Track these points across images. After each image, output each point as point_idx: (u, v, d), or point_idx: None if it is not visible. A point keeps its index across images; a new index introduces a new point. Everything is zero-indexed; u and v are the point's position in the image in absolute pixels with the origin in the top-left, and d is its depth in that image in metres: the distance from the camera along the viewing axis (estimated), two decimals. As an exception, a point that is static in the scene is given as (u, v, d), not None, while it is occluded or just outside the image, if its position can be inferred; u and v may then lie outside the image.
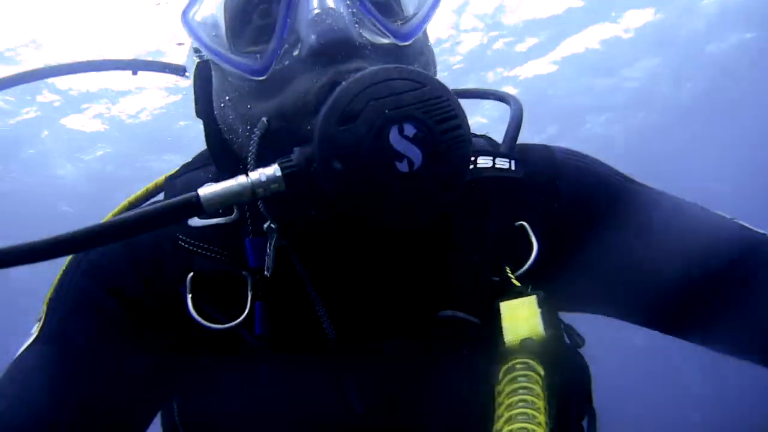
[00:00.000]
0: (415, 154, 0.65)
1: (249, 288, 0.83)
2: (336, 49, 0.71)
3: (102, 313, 0.84)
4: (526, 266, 0.85)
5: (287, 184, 0.68)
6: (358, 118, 0.64)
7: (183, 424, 0.95)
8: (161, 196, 1.01)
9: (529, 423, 0.69)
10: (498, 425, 0.72)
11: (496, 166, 0.90)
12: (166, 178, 1.02)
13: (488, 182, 0.89)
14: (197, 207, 0.67)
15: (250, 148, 0.75)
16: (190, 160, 1.03)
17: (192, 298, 0.82)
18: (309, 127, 0.70)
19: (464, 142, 0.69)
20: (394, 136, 0.64)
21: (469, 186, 0.80)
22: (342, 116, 0.65)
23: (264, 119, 0.74)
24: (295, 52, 0.74)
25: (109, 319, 0.84)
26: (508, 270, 0.85)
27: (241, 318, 0.81)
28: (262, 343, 0.84)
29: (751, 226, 0.91)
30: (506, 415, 0.71)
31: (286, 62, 0.75)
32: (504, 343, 0.76)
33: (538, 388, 0.73)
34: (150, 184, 1.07)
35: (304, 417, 0.88)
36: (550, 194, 0.94)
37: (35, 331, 0.84)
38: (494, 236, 0.87)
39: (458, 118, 0.68)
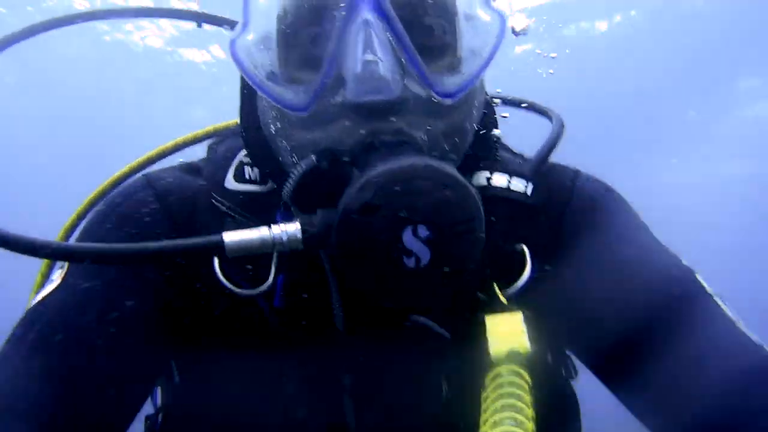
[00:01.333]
0: (424, 253, 0.69)
1: (273, 261, 0.86)
2: (377, 108, 0.74)
3: (129, 277, 0.87)
4: (517, 286, 0.88)
5: (305, 244, 0.73)
6: (378, 212, 0.68)
7: (166, 412, 1.00)
8: (201, 149, 1.07)
9: (516, 428, 0.73)
10: (484, 429, 0.75)
11: (511, 187, 0.93)
12: (209, 145, 1.05)
13: (498, 202, 0.91)
14: (220, 250, 0.72)
15: (291, 177, 0.80)
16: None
17: (220, 262, 0.86)
18: (343, 172, 0.74)
19: (474, 245, 0.72)
20: (407, 235, 0.69)
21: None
22: (363, 207, 0.69)
23: (312, 158, 0.77)
24: (338, 98, 0.77)
25: (135, 274, 0.87)
26: (496, 287, 0.88)
27: (264, 287, 0.85)
28: (276, 317, 0.88)
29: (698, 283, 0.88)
30: (492, 419, 0.75)
31: (328, 102, 0.77)
32: (489, 353, 0.80)
33: (525, 396, 0.77)
34: (200, 131, 1.15)
35: (292, 409, 0.91)
36: (557, 220, 0.97)
37: (57, 277, 0.87)
38: (491, 255, 0.89)
39: (473, 221, 0.71)
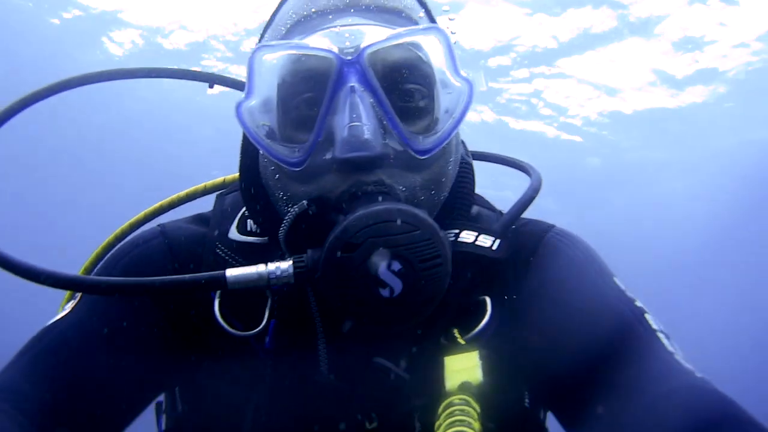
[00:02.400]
0: (397, 284, 0.80)
1: (267, 306, 0.97)
2: (361, 163, 0.85)
3: (130, 305, 0.99)
4: (475, 331, 0.96)
5: (296, 278, 0.85)
6: (357, 250, 0.79)
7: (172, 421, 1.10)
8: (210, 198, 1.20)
9: None
10: None
11: (477, 242, 1.01)
12: (217, 195, 1.18)
13: (464, 257, 0.99)
14: (222, 284, 0.85)
15: (285, 220, 0.91)
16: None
17: (219, 303, 0.97)
18: (330, 218, 0.86)
19: (441, 278, 0.82)
20: (382, 268, 0.79)
21: None
22: (345, 245, 0.80)
23: (304, 202, 0.89)
24: (328, 155, 0.88)
25: (137, 310, 0.99)
26: (456, 332, 0.96)
27: (256, 330, 0.96)
28: (268, 358, 0.99)
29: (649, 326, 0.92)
30: None
31: (319, 159, 0.89)
32: (445, 386, 0.89)
33: (474, 423, 0.84)
34: (208, 183, 1.29)
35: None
36: (522, 270, 1.04)
37: (69, 307, 0.99)
38: (455, 305, 0.97)
39: (440, 258, 0.81)
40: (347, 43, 0.89)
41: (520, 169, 1.23)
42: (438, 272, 0.82)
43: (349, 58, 0.87)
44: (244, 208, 1.09)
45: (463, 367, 0.90)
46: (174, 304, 1.02)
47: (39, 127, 9.85)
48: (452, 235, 1.03)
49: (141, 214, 1.30)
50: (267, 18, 1.05)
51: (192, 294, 0.98)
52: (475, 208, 1.12)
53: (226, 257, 1.04)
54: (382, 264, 0.80)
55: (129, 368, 0.97)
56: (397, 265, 0.80)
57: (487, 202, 1.19)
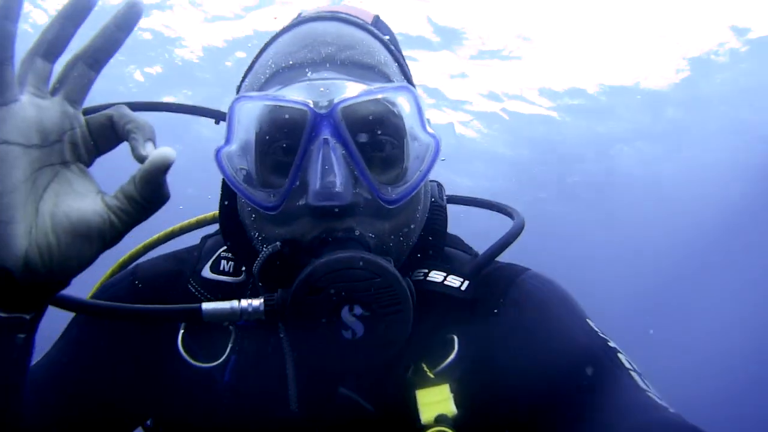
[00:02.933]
0: (359, 328, 0.85)
1: (231, 340, 1.05)
2: (331, 211, 0.90)
3: (105, 333, 1.10)
4: (442, 366, 0.98)
5: (266, 315, 0.90)
6: (321, 293, 0.85)
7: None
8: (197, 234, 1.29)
9: None
10: None
11: (445, 282, 1.05)
12: (201, 237, 1.26)
13: (431, 295, 1.03)
14: (198, 317, 0.91)
15: (259, 258, 0.96)
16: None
17: (183, 335, 1.05)
18: (301, 259, 0.91)
19: (401, 323, 0.86)
20: (345, 312, 0.85)
21: (417, 296, 0.91)
22: (310, 288, 0.85)
23: (278, 244, 0.94)
24: (302, 201, 0.93)
25: (111, 342, 1.09)
26: (425, 366, 0.99)
27: (215, 363, 1.03)
28: (228, 391, 1.05)
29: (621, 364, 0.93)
30: None
31: (293, 204, 0.94)
32: (420, 421, 0.92)
33: None
34: (193, 219, 1.38)
35: None
36: (492, 311, 1.06)
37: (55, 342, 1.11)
38: (422, 341, 1.00)
39: (400, 305, 0.86)
40: (322, 97, 0.93)
41: (502, 212, 1.25)
42: (398, 319, 0.86)
43: (323, 111, 0.92)
44: (220, 250, 1.16)
45: (436, 400, 0.95)
46: (143, 335, 1.09)
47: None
48: (421, 274, 1.06)
49: (140, 245, 1.38)
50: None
51: (168, 322, 1.06)
52: (448, 250, 1.16)
53: (197, 293, 1.11)
54: (344, 307, 0.84)
55: (105, 397, 1.07)
56: (358, 310, 0.85)
57: (463, 243, 1.22)
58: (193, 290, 1.11)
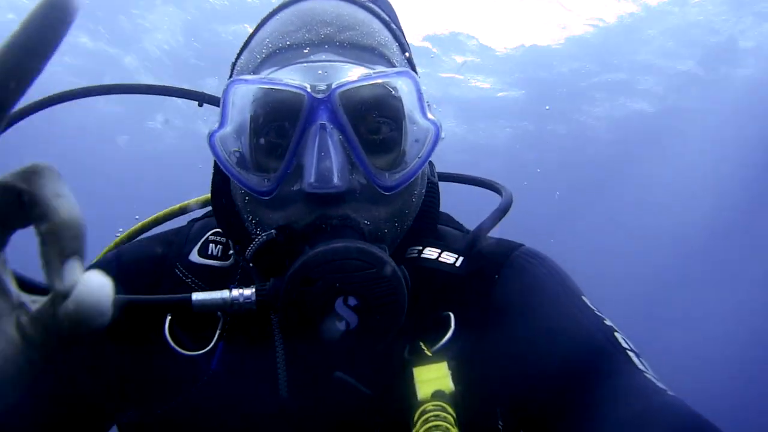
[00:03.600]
0: (353, 319, 0.84)
1: (219, 327, 1.02)
2: (327, 197, 0.88)
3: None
4: (440, 344, 0.97)
5: (257, 306, 0.89)
6: (315, 284, 0.83)
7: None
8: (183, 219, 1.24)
9: None
10: None
11: (440, 259, 1.04)
12: (189, 221, 1.23)
13: (426, 272, 1.02)
14: (188, 306, 0.89)
15: (253, 244, 0.93)
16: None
17: (170, 322, 1.01)
18: (295, 246, 0.89)
19: (395, 315, 0.85)
20: (339, 303, 0.83)
21: (412, 273, 0.91)
22: (304, 279, 0.83)
23: (273, 232, 0.92)
24: (296, 186, 0.91)
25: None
26: (423, 344, 0.97)
27: (203, 351, 1.00)
28: (215, 379, 1.02)
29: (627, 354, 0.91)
30: None
31: (288, 189, 0.92)
32: (417, 396, 0.90)
33: (452, 428, 0.86)
34: (176, 206, 1.34)
35: None
36: (486, 288, 1.05)
37: None
38: (418, 320, 0.99)
39: (394, 295, 0.85)
40: (320, 80, 0.91)
41: (490, 189, 1.24)
42: (393, 310, 0.85)
43: (321, 96, 0.89)
44: (208, 233, 1.14)
45: (434, 377, 0.92)
46: (129, 323, 1.05)
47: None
48: (415, 251, 1.05)
49: (125, 233, 1.34)
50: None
51: (159, 313, 1.02)
52: (440, 227, 1.15)
53: (185, 278, 1.08)
54: (339, 299, 0.83)
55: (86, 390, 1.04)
56: (353, 300, 0.83)
57: (454, 221, 1.21)
58: (180, 275, 1.09)
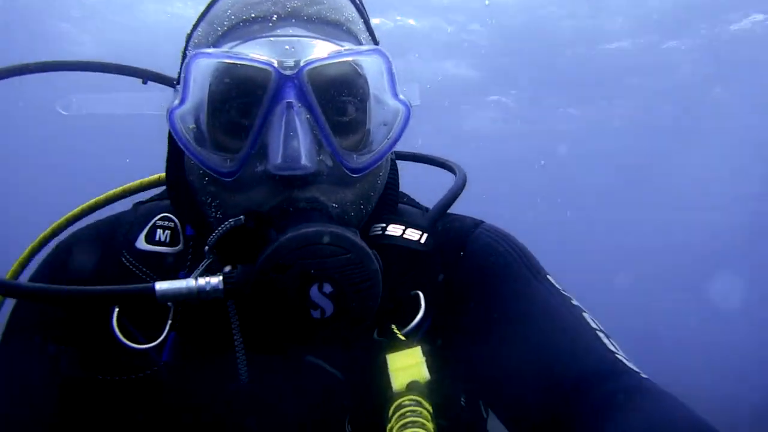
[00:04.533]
0: (328, 306, 0.80)
1: (169, 317, 0.95)
2: (294, 179, 0.84)
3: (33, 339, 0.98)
4: (411, 326, 0.95)
5: (225, 294, 0.83)
6: (288, 270, 0.78)
7: None
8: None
9: None
10: None
11: (404, 236, 1.01)
12: (134, 204, 1.15)
13: (391, 249, 0.99)
14: (151, 297, 0.82)
15: (218, 231, 0.88)
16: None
17: (118, 314, 0.95)
18: (260, 232, 0.84)
19: (371, 300, 0.82)
20: (313, 291, 0.79)
21: (377, 251, 0.87)
22: (276, 266, 0.78)
23: (242, 218, 0.87)
24: (261, 167, 0.86)
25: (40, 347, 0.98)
26: (394, 327, 0.95)
27: (154, 343, 0.94)
28: (167, 371, 0.97)
29: (613, 351, 0.90)
30: None
31: (252, 170, 0.87)
32: (392, 387, 0.87)
33: (428, 423, 0.83)
34: (144, 179, 1.27)
35: None
36: (452, 265, 1.04)
37: None
38: (386, 299, 0.92)
39: (370, 281, 0.82)
40: (287, 56, 0.86)
41: (445, 168, 1.25)
42: (368, 295, 0.82)
43: (289, 72, 0.85)
44: (155, 218, 1.07)
45: (407, 365, 0.89)
46: (74, 321, 0.99)
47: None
48: (379, 228, 1.03)
49: (72, 212, 1.25)
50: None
51: (115, 305, 0.95)
52: (401, 205, 1.13)
53: (132, 267, 1.01)
54: (313, 286, 0.79)
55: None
56: (328, 287, 0.79)
57: (413, 200, 1.20)
58: (127, 263, 1.01)
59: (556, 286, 1.01)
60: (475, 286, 1.02)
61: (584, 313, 0.96)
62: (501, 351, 0.95)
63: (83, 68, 1.17)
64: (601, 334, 0.92)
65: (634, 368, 0.87)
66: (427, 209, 1.15)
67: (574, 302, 0.98)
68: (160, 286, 0.82)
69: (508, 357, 0.94)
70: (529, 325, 0.95)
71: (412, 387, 0.87)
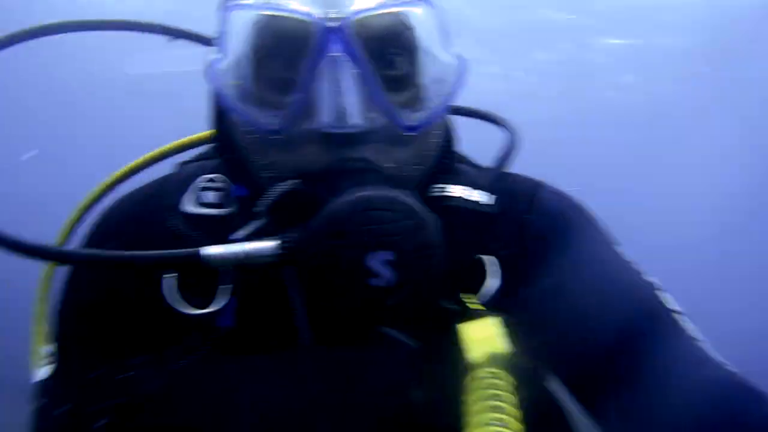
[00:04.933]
0: (389, 274, 0.75)
1: (229, 281, 0.91)
2: (345, 137, 0.80)
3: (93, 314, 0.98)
4: (485, 294, 0.91)
5: (279, 259, 0.79)
6: (345, 237, 0.75)
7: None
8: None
9: (503, 429, 0.75)
10: None
11: (467, 197, 0.97)
12: (179, 163, 1.13)
13: (455, 211, 0.95)
14: (196, 263, 0.80)
15: (270, 193, 0.84)
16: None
17: (170, 280, 0.92)
18: (314, 192, 0.81)
19: (433, 267, 0.78)
20: (372, 258, 0.75)
21: (438, 214, 0.84)
22: (332, 232, 0.75)
23: (297, 181, 0.83)
24: (309, 124, 0.82)
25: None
26: (467, 296, 0.91)
27: (211, 309, 0.90)
28: (228, 337, 0.93)
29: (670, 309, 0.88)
30: (477, 421, 0.78)
31: (299, 127, 0.83)
32: (467, 358, 0.83)
33: (510, 397, 0.79)
34: (177, 142, 1.24)
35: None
36: (518, 230, 0.99)
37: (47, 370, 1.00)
38: (452, 264, 0.88)
39: (431, 248, 0.78)
40: (332, 6, 0.82)
41: (496, 123, 1.19)
42: (430, 262, 0.79)
43: (334, 24, 0.81)
44: (203, 178, 1.03)
45: (484, 336, 0.85)
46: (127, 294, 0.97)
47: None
48: (438, 190, 0.98)
49: (119, 171, 1.25)
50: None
51: (164, 270, 0.93)
52: (457, 165, 1.08)
53: (178, 231, 0.98)
54: (371, 253, 0.75)
55: None
56: (388, 255, 0.76)
57: (466, 157, 1.15)
58: (174, 228, 0.98)
59: (628, 259, 0.97)
60: (547, 255, 0.97)
61: (656, 291, 0.92)
62: (573, 321, 0.91)
63: (110, 27, 1.14)
64: (678, 317, 0.88)
65: (719, 359, 0.82)
66: (483, 168, 1.10)
67: (647, 278, 0.94)
68: (211, 250, 0.80)
69: (580, 329, 0.90)
70: (601, 301, 0.91)
71: (493, 359, 0.83)
